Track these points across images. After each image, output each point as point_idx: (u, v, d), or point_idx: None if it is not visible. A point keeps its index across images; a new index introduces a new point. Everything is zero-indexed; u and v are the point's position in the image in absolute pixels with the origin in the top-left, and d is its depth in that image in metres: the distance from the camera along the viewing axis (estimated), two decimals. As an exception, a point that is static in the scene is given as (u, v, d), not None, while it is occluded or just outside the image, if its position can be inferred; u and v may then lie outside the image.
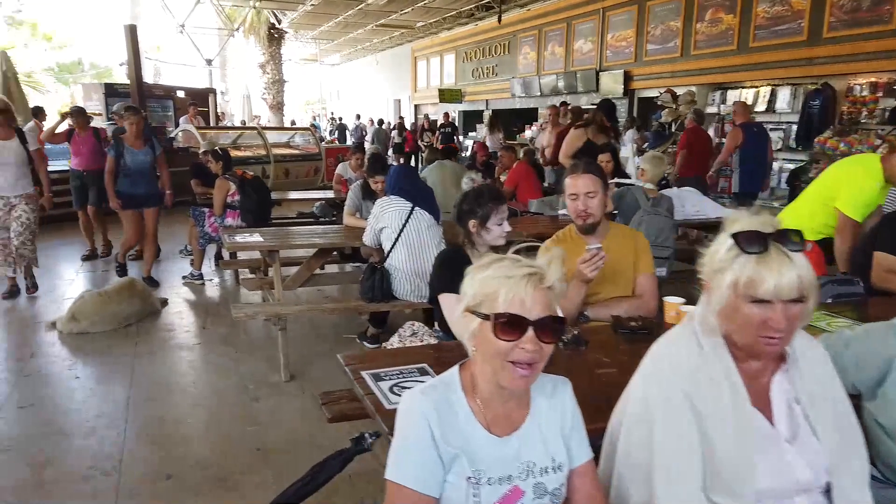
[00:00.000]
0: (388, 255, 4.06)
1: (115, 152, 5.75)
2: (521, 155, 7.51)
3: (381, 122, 21.63)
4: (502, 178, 7.24)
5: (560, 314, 1.29)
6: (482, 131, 14.46)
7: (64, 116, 7.20)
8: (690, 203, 5.11)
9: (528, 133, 15.27)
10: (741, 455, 1.25)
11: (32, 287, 5.57)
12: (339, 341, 4.64)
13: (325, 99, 31.98)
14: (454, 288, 2.71)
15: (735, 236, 1.25)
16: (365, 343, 4.52)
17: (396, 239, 4.02)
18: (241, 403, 3.62)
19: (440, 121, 16.60)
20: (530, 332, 1.23)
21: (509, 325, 1.23)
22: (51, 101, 22.37)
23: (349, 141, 20.78)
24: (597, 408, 1.60)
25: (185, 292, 5.87)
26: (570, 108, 8.26)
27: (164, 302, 5.44)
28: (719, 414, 1.26)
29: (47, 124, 7.93)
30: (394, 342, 2.69)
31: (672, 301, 2.43)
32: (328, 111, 30.14)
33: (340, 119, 24.88)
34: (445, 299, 2.63)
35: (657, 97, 10.33)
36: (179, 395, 3.72)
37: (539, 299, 1.24)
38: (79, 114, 7.00)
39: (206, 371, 4.11)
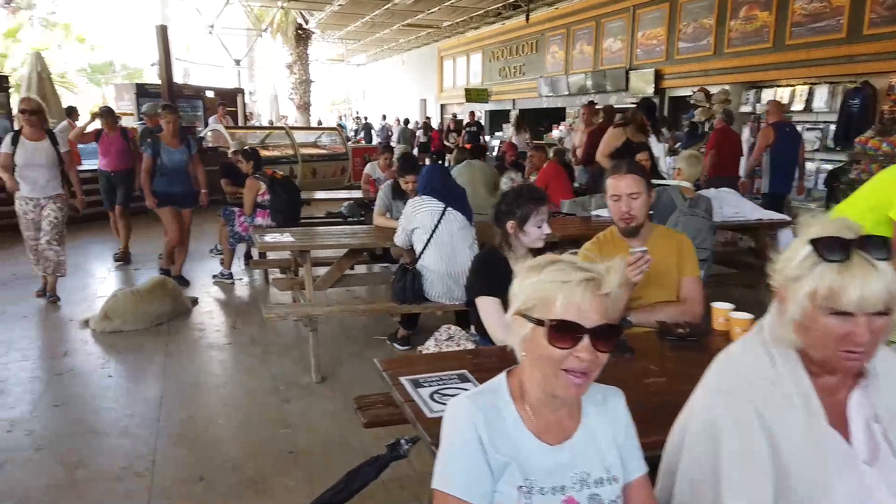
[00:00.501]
0: (419, 257, 4.01)
1: (151, 151, 5.73)
2: (551, 155, 7.40)
3: (406, 121, 21.64)
4: (532, 178, 7.15)
5: (616, 322, 1.23)
6: (508, 131, 14.35)
7: (94, 117, 7.22)
8: (729, 204, 4.97)
9: (555, 133, 15.13)
10: (816, 477, 1.16)
11: (54, 297, 5.39)
12: (370, 342, 4.60)
13: (350, 99, 32.09)
14: (492, 291, 2.67)
15: (814, 242, 1.16)
16: (395, 345, 4.48)
17: (428, 240, 3.97)
18: (272, 405, 3.59)
19: (466, 120, 16.53)
20: (586, 340, 1.18)
21: (564, 332, 1.18)
22: (83, 101, 22.73)
23: (375, 141, 20.83)
24: (647, 418, 1.51)
25: (215, 291, 5.89)
26: (602, 107, 8.12)
27: (195, 301, 5.46)
28: (793, 433, 1.17)
29: (79, 124, 7.92)
30: (430, 346, 2.63)
31: (721, 307, 2.33)
32: (353, 111, 30.23)
33: (366, 118, 24.94)
34: (483, 303, 2.56)
35: (690, 96, 10.13)
36: (210, 396, 3.71)
37: (596, 307, 1.18)
38: (108, 114, 6.99)
39: (236, 371, 4.09)
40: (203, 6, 16.43)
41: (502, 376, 1.35)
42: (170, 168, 5.75)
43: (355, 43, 24.53)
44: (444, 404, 1.54)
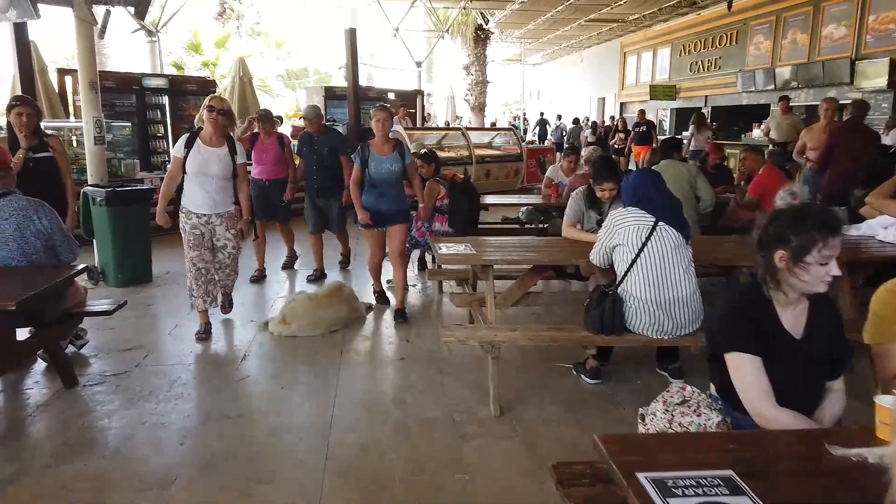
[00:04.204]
0: (622, 279, 3.37)
1: (360, 160, 4.83)
2: (767, 157, 6.32)
3: (576, 120, 20.80)
4: (743, 184, 6.15)
5: None
6: (691, 130, 13.02)
7: (250, 122, 6.79)
8: None
9: (755, 132, 13.51)
10: None
11: (228, 306, 4.96)
12: (552, 370, 4.05)
13: (523, 99, 31.66)
14: (749, 345, 1.99)
15: None
16: (584, 377, 3.88)
17: (634, 260, 3.32)
18: (447, 441, 3.17)
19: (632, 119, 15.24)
20: None
21: None
22: (279, 105, 24.60)
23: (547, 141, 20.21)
24: None
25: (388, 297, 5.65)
26: (852, 101, 6.77)
27: (370, 307, 5.26)
28: None
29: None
30: (657, 411, 2.02)
31: None
32: (524, 111, 29.75)
33: (542, 114, 24.36)
34: (737, 361, 1.90)
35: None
36: (382, 422, 3.37)
37: None
38: (265, 118, 6.30)
39: (410, 393, 3.73)
40: (389, 9, 16.84)
41: None
42: (377, 180, 4.84)
43: (533, 42, 24.05)
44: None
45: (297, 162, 6.43)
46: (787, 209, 1.94)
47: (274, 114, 6.70)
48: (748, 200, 5.66)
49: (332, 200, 6.08)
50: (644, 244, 3.31)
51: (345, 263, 6.69)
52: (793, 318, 1.96)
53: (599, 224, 4.32)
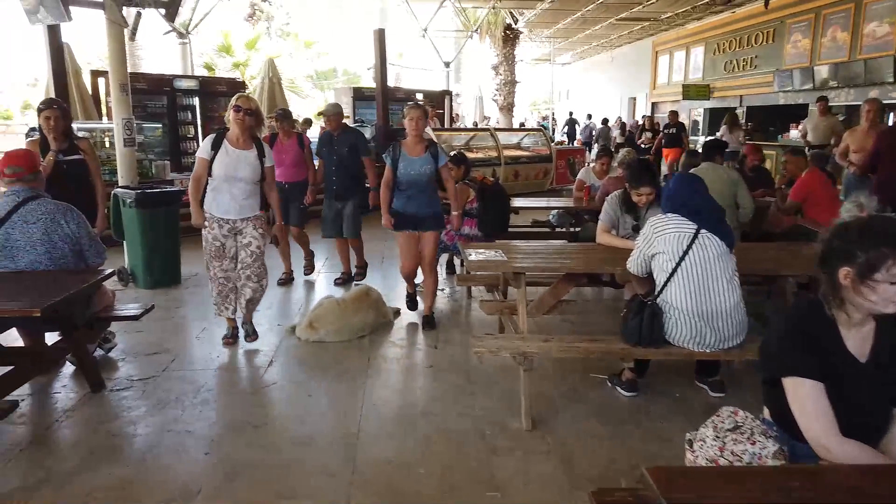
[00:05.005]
0: (661, 289, 3.22)
1: (390, 159, 4.60)
2: (810, 159, 6.09)
3: (604, 121, 20.55)
4: (784, 188, 5.93)
5: None
6: (722, 130, 12.68)
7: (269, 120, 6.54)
8: None
9: (792, 133, 13.14)
10: None
11: (252, 335, 4.46)
12: (585, 381, 3.91)
13: (552, 99, 31.38)
14: (809, 369, 1.84)
15: None
16: (619, 389, 3.74)
17: (675, 269, 3.17)
18: (477, 455, 3.05)
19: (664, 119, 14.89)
20: None
21: None
22: (308, 106, 24.73)
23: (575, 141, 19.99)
24: None
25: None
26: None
27: (397, 312, 5.17)
28: None
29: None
30: (706, 437, 1.88)
31: None
32: (552, 111, 29.48)
33: (571, 113, 24.12)
34: (796, 386, 1.76)
35: None
36: (410, 434, 3.27)
37: None
38: (283, 117, 6.03)
39: (438, 404, 3.63)
40: (417, 10, 16.77)
41: None
42: (406, 182, 4.61)
43: (563, 41, 23.80)
44: None
45: (316, 163, 6.23)
46: (854, 222, 1.78)
47: (304, 116, 6.65)
48: (790, 205, 5.46)
49: (349, 202, 5.82)
50: (685, 252, 3.16)
51: (361, 276, 6.17)
52: (858, 341, 1.81)
53: (635, 230, 4.17)
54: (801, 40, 13.78)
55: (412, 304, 5.23)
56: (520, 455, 3.06)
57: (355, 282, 6.06)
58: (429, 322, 4.88)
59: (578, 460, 3.01)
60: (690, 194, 3.26)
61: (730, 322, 3.15)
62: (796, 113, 13.46)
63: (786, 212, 5.50)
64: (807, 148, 9.07)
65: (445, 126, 14.47)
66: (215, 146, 4.13)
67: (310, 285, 6.22)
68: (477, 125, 21.31)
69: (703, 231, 3.17)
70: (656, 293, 3.25)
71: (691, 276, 3.14)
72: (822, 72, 12.88)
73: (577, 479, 2.84)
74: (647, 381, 3.82)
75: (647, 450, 3.10)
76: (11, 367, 3.27)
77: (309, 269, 6.42)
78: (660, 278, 3.25)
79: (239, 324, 4.51)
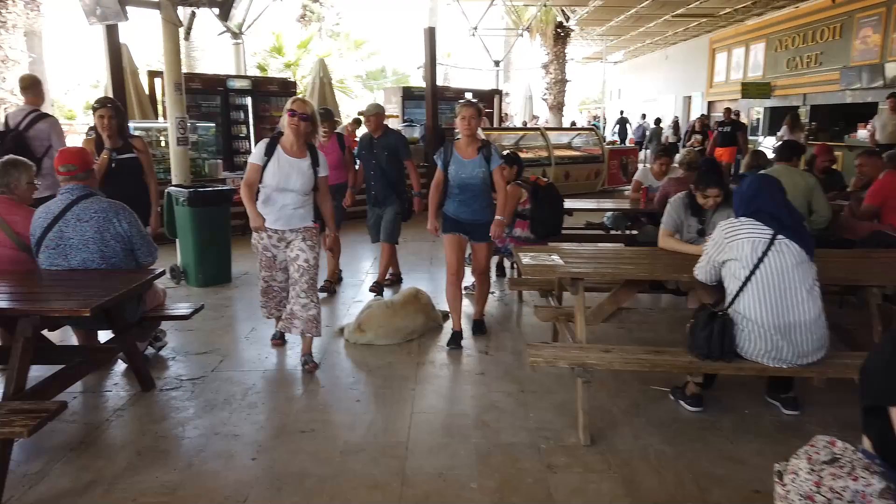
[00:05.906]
0: (734, 299, 3.00)
1: (441, 161, 4.34)
2: (887, 161, 5.69)
3: (657, 120, 20.04)
4: (859, 191, 5.56)
5: None
6: (783, 129, 12.12)
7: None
8: None
9: (860, 133, 12.50)
10: None
11: (310, 363, 4.08)
12: (646, 393, 3.71)
13: (601, 98, 30.82)
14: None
15: None
16: (683, 403, 3.52)
17: (748, 277, 2.95)
18: (533, 472, 2.89)
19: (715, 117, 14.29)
20: None
21: None
22: (357, 106, 24.87)
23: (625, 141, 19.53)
24: None
25: (465, 305, 5.41)
26: None
27: (446, 316, 5.02)
28: None
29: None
30: (800, 469, 1.67)
31: None
32: (602, 110, 28.95)
33: (622, 112, 23.59)
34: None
35: None
36: (462, 446, 3.13)
37: None
38: (325, 117, 5.56)
39: (491, 414, 3.48)
40: (468, 9, 16.65)
41: None
42: (457, 185, 4.35)
43: (615, 39, 23.31)
44: None
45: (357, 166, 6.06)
46: None
47: (353, 116, 6.57)
48: (866, 209, 5.10)
49: (388, 207, 5.63)
50: (760, 260, 2.93)
51: (395, 283, 6.08)
52: (978, 367, 1.58)
53: (701, 234, 3.95)
54: (870, 35, 13.11)
55: (456, 342, 4.47)
56: (578, 472, 2.89)
57: (390, 284, 5.98)
58: (479, 327, 4.73)
59: (643, 480, 2.82)
60: (765, 197, 3.03)
61: (809, 336, 2.91)
62: (864, 112, 12.81)
63: (862, 217, 5.15)
64: (875, 147, 8.58)
65: (495, 126, 14.30)
66: (269, 152, 3.89)
67: (357, 285, 6.14)
68: (526, 125, 21.04)
69: (779, 237, 2.94)
70: (727, 303, 3.03)
71: (767, 286, 2.91)
72: (894, 69, 12.21)
73: (641, 503, 2.66)
74: (713, 396, 3.59)
75: (716, 473, 2.88)
76: (63, 366, 3.26)
77: (332, 281, 5.95)
78: (731, 287, 3.03)
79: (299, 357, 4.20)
